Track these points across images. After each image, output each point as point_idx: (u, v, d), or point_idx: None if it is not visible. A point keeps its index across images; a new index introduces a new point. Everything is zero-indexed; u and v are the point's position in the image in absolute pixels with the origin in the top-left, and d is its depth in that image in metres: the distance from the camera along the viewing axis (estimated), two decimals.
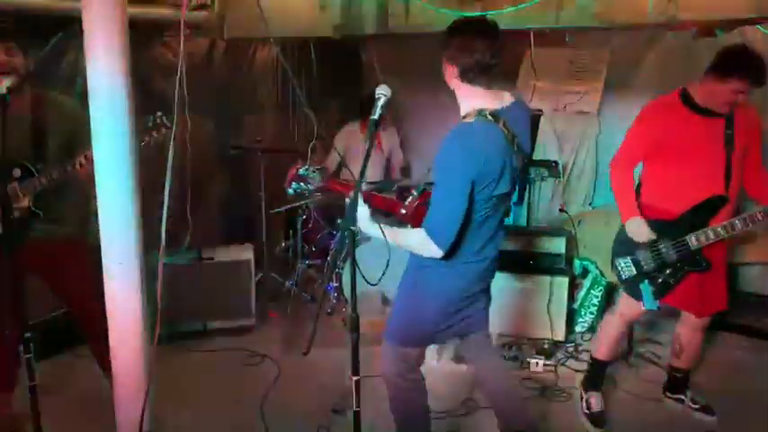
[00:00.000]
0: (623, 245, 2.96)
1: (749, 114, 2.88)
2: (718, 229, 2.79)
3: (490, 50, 2.08)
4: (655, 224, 2.88)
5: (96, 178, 1.98)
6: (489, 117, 2.10)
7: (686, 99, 2.85)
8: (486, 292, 2.46)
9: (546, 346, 3.81)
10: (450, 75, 2.16)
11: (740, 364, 3.79)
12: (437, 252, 2.13)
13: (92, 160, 2.38)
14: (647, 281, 2.92)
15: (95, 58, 1.88)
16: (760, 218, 2.76)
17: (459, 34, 2.12)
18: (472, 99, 2.17)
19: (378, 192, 4.82)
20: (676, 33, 4.27)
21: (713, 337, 3.99)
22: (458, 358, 3.75)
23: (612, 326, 3.17)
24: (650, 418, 3.22)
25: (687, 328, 3.11)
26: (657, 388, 3.40)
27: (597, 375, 3.24)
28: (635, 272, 2.94)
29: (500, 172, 2.11)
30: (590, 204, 5.00)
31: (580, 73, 4.84)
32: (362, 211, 2.18)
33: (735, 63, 2.69)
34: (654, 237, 2.87)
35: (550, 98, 4.83)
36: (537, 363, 3.63)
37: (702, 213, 2.83)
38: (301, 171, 2.32)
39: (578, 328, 4.09)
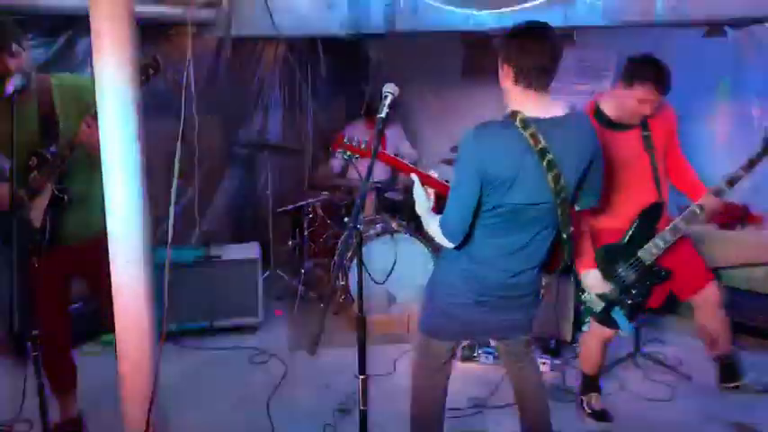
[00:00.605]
0: None
1: (664, 113, 2.88)
2: (666, 236, 2.82)
3: (549, 54, 2.06)
4: (607, 251, 2.90)
5: (103, 176, 1.98)
6: (517, 122, 2.05)
7: (600, 116, 2.84)
8: (520, 305, 2.33)
9: (552, 346, 3.80)
10: (506, 76, 2.12)
11: (747, 364, 3.76)
12: (447, 242, 2.19)
13: (93, 126, 2.37)
14: (617, 307, 2.93)
15: (103, 57, 1.88)
16: (698, 211, 2.80)
17: (519, 36, 2.09)
18: (518, 102, 2.12)
19: (383, 190, 4.83)
20: (686, 32, 4.24)
21: None
22: (465, 357, 3.75)
23: (590, 347, 3.17)
24: (657, 418, 3.20)
25: (703, 313, 3.06)
26: (664, 388, 3.39)
27: (591, 384, 3.25)
28: (603, 303, 2.93)
29: (511, 180, 2.04)
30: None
31: (588, 72, 4.83)
32: (422, 193, 2.30)
33: (640, 71, 2.70)
34: (609, 288, 2.88)
35: (559, 97, 4.81)
36: (543, 363, 3.62)
37: (645, 226, 2.85)
38: (345, 140, 2.36)
39: (585, 328, 4.06)
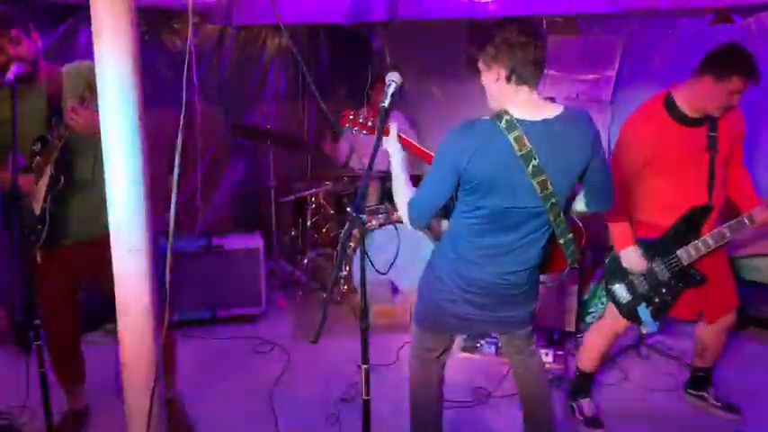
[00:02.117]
0: (616, 270, 2.90)
1: (733, 114, 2.75)
2: (708, 240, 2.74)
3: (539, 50, 1.96)
4: (645, 244, 2.84)
5: (104, 165, 1.97)
6: (502, 123, 1.98)
7: (671, 108, 2.73)
8: (513, 302, 2.29)
9: (556, 337, 3.80)
10: (495, 76, 2.02)
11: (759, 357, 3.76)
12: (408, 223, 2.20)
13: (78, 111, 2.36)
14: (644, 303, 2.88)
15: (103, 44, 1.86)
16: (747, 222, 2.71)
17: (506, 33, 1.97)
18: (508, 101, 2.03)
19: (387, 179, 4.81)
20: (691, 19, 4.21)
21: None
22: (468, 348, 3.74)
23: (600, 338, 3.06)
24: (660, 409, 3.19)
25: (711, 332, 2.99)
26: (668, 379, 3.38)
27: (584, 385, 3.16)
28: (631, 296, 2.89)
29: (490, 182, 2.00)
30: None
31: (593, 61, 4.79)
32: (397, 149, 2.27)
33: (735, 61, 2.58)
34: (647, 267, 2.82)
35: (563, 86, 4.78)
36: (546, 353, 3.62)
37: (689, 227, 2.78)
38: (351, 116, 2.37)
39: (588, 319, 4.06)
